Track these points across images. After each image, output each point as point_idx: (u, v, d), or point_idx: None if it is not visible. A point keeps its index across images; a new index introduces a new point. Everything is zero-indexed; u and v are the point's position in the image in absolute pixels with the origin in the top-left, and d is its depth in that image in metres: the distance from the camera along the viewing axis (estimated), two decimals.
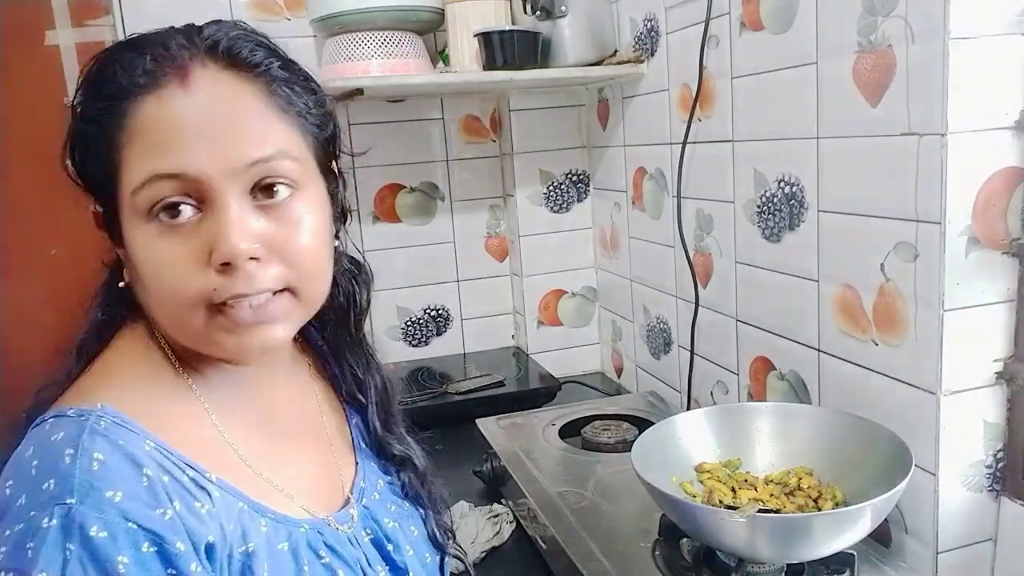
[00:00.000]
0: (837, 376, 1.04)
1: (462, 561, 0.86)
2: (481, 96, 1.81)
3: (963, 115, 0.81)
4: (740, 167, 1.20)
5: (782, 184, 1.10)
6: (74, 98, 0.62)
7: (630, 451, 0.92)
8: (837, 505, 0.90)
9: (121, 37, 0.89)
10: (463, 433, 1.37)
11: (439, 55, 1.66)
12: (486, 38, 1.44)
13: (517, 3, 1.52)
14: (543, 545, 1.05)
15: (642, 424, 1.24)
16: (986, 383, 0.88)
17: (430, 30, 1.59)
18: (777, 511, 0.90)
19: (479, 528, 1.13)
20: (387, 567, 0.71)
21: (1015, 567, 0.89)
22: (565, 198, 1.82)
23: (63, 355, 0.65)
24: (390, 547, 0.72)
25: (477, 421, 1.36)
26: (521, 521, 1.15)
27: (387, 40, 1.48)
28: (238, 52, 0.60)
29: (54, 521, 0.50)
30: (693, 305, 1.35)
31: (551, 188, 1.80)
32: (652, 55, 1.44)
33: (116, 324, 0.67)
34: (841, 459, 0.94)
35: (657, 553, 0.94)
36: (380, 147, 1.75)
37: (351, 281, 0.77)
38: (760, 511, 0.88)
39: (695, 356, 1.39)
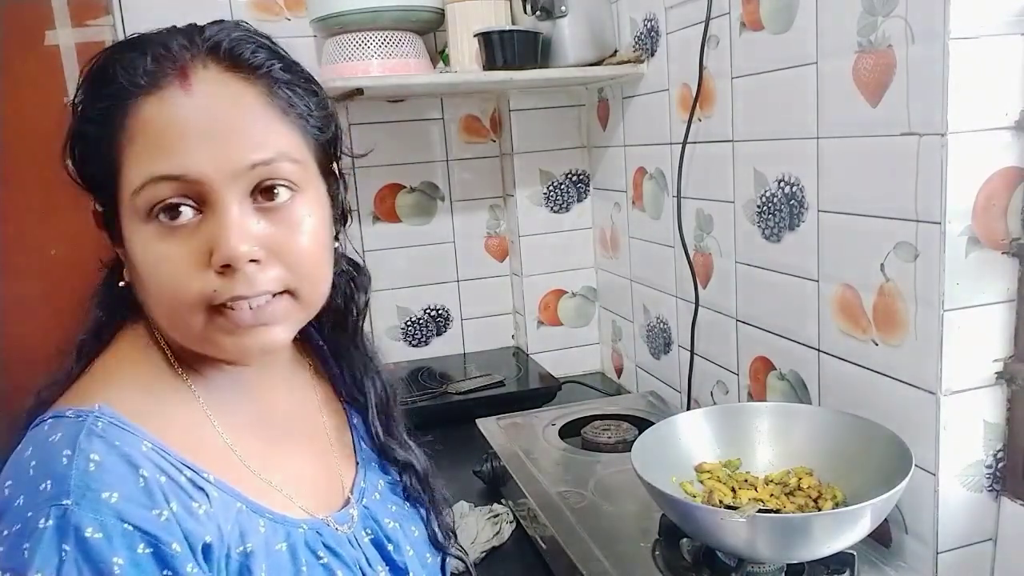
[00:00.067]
0: (837, 376, 1.04)
1: (463, 561, 0.86)
2: (481, 96, 1.81)
3: (963, 115, 0.81)
4: (740, 167, 1.20)
5: (782, 184, 1.10)
6: (74, 97, 0.61)
7: (630, 451, 0.92)
8: (837, 505, 0.90)
9: (121, 37, 0.89)
10: (463, 433, 1.36)
11: (439, 55, 1.66)
12: (486, 38, 1.44)
13: (517, 3, 1.52)
14: (543, 545, 1.05)
15: (642, 424, 1.24)
16: (986, 383, 0.88)
17: (430, 30, 1.59)
18: (777, 511, 0.90)
19: (479, 528, 1.13)
20: (387, 567, 0.71)
21: (1015, 567, 0.89)
22: (565, 198, 1.82)
23: (63, 355, 0.65)
24: (390, 547, 0.72)
25: (477, 421, 1.36)
26: (521, 521, 1.15)
27: (387, 40, 1.48)
28: (240, 53, 0.60)
29: (50, 522, 0.50)
30: (693, 305, 1.35)
31: (551, 188, 1.80)
32: (652, 55, 1.44)
33: (116, 324, 0.67)
34: (841, 459, 0.94)
35: (657, 553, 0.94)
36: (380, 147, 1.75)
37: (349, 283, 0.76)
38: (760, 511, 0.88)
39: (695, 356, 1.39)
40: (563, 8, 1.45)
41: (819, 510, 0.89)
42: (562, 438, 1.29)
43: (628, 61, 1.49)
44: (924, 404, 0.89)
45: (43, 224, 1.66)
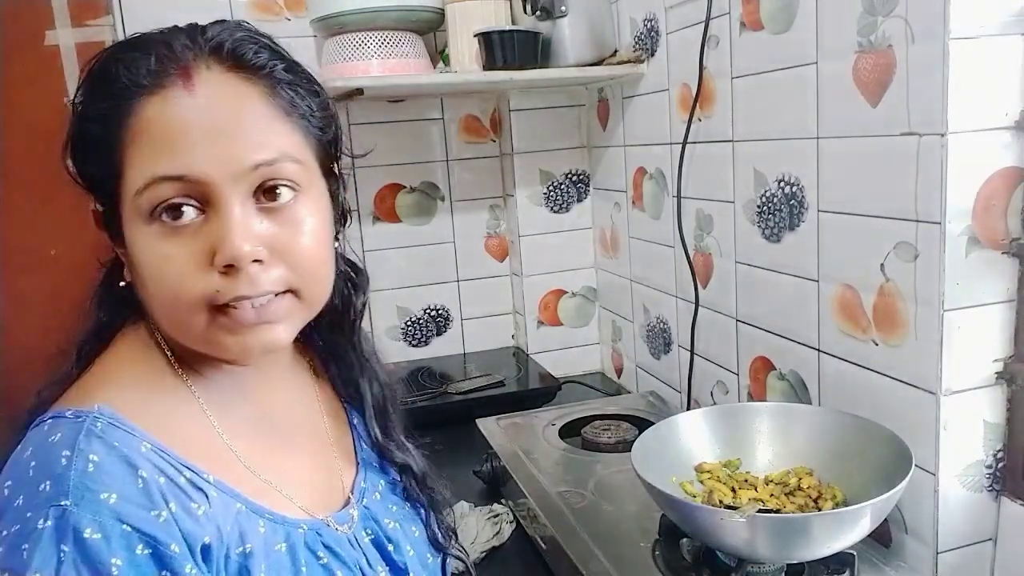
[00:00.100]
0: (837, 376, 1.04)
1: (463, 561, 0.86)
2: (481, 96, 1.81)
3: (963, 115, 0.81)
4: (740, 167, 1.20)
5: (782, 184, 1.10)
6: (75, 97, 0.61)
7: (630, 451, 0.92)
8: (837, 505, 0.90)
9: (121, 37, 0.89)
10: (463, 433, 1.37)
11: (439, 55, 1.66)
12: (486, 38, 1.44)
13: (517, 3, 1.52)
14: (543, 545, 1.05)
15: (642, 424, 1.24)
16: (986, 383, 0.88)
17: (430, 30, 1.59)
18: (777, 511, 0.90)
19: (479, 528, 1.13)
20: (387, 568, 0.71)
21: (1015, 567, 0.89)
22: (565, 198, 1.82)
23: (63, 355, 0.65)
24: (391, 547, 0.72)
25: (477, 421, 1.36)
26: (521, 521, 1.15)
27: (387, 40, 1.48)
28: (242, 54, 0.60)
29: (49, 522, 0.50)
30: (693, 305, 1.35)
31: (551, 188, 1.80)
32: (652, 55, 1.44)
33: (116, 324, 0.67)
34: (841, 459, 0.94)
35: (657, 553, 0.94)
36: (380, 147, 1.75)
37: (347, 284, 0.76)
38: (760, 511, 0.88)
39: (695, 356, 1.39)
40: (563, 8, 1.45)
41: (819, 510, 0.89)
42: (562, 438, 1.28)
43: (628, 61, 1.49)
44: (924, 404, 0.89)
45: (43, 224, 1.66)
